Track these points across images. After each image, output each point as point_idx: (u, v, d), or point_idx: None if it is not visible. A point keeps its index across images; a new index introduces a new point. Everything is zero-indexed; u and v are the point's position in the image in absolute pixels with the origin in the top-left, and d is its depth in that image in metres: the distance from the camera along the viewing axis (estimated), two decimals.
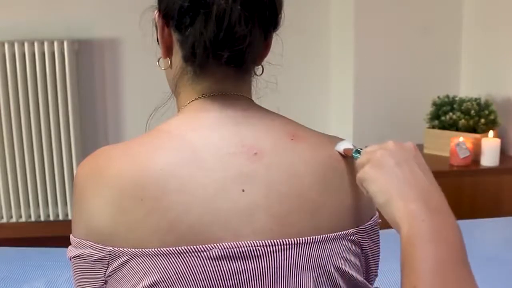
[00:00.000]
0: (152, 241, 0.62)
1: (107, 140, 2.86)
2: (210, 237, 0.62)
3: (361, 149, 0.69)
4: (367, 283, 0.72)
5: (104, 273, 0.65)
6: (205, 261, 0.61)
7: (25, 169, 2.71)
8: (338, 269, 0.67)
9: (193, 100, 0.72)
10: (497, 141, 2.17)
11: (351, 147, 0.71)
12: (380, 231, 0.77)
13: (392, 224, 0.61)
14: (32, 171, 2.71)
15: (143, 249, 0.62)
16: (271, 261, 0.63)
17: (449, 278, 0.54)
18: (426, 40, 2.61)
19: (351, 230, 0.69)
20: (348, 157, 0.71)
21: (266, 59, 0.76)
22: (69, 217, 2.79)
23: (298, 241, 0.64)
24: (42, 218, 2.79)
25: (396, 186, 0.61)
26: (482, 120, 2.21)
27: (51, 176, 2.73)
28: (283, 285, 0.63)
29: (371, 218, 0.74)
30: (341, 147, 0.72)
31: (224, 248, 0.62)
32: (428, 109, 2.38)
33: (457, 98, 2.34)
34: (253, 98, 0.76)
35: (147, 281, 0.62)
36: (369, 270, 0.75)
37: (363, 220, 0.72)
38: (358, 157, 0.68)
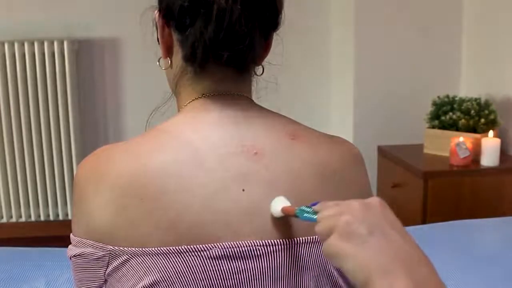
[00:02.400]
0: (152, 240, 0.62)
1: (107, 140, 2.86)
2: (210, 236, 0.62)
3: (308, 207, 0.59)
4: None
5: (104, 272, 0.65)
6: (205, 261, 0.61)
7: (25, 169, 2.71)
8: (338, 269, 0.67)
9: (193, 100, 0.72)
10: (497, 141, 2.17)
11: (288, 203, 0.62)
12: None
13: None
14: (32, 171, 2.71)
15: (143, 248, 0.62)
16: (271, 261, 0.63)
17: None
18: (426, 40, 2.62)
19: None
20: (290, 216, 0.62)
21: (266, 59, 0.76)
22: (69, 217, 2.79)
23: (298, 241, 0.64)
24: (42, 218, 2.79)
25: (375, 260, 0.50)
26: (482, 120, 2.21)
27: (51, 176, 2.73)
28: (283, 285, 0.63)
29: None
30: (277, 207, 0.62)
31: (224, 248, 0.62)
32: (428, 109, 2.38)
33: (457, 98, 2.34)
34: (253, 98, 0.76)
35: (147, 280, 0.62)
36: None
37: None
38: (307, 217, 0.58)
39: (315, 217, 0.57)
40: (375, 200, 0.56)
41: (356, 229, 0.52)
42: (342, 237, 0.52)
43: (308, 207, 0.59)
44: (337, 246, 0.52)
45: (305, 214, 0.58)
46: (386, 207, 0.56)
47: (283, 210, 0.62)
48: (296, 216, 0.60)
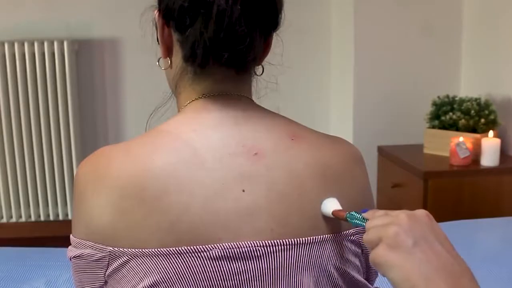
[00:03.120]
0: (152, 241, 0.62)
1: (107, 140, 2.86)
2: (210, 237, 0.62)
3: (358, 213, 0.62)
4: (367, 283, 0.72)
5: (104, 273, 0.65)
6: (205, 262, 0.61)
7: (25, 169, 2.71)
8: (338, 269, 0.67)
9: (193, 100, 0.72)
10: (497, 141, 2.17)
11: (339, 207, 0.65)
12: None
13: None
14: (32, 171, 2.71)
15: (143, 249, 0.62)
16: (271, 261, 0.63)
17: None
18: (426, 40, 2.61)
19: (351, 230, 0.69)
20: (340, 220, 0.65)
21: (266, 59, 0.76)
22: (69, 217, 2.79)
23: (298, 242, 0.64)
24: (42, 218, 2.79)
25: (419, 271, 0.52)
26: (482, 120, 2.21)
27: (51, 176, 2.73)
28: (283, 286, 0.63)
29: None
30: (329, 208, 0.65)
31: (224, 249, 0.62)
32: (428, 109, 2.38)
33: (457, 98, 2.34)
34: (253, 98, 0.76)
35: (147, 281, 0.62)
36: (369, 270, 0.75)
37: None
38: (357, 223, 0.62)
39: (364, 224, 0.60)
40: (422, 212, 0.58)
41: (403, 240, 0.54)
42: (390, 248, 0.54)
43: (358, 213, 0.62)
44: (384, 256, 0.55)
45: (355, 220, 0.62)
46: (432, 219, 0.58)
47: (333, 213, 0.64)
48: (345, 219, 0.63)
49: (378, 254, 0.55)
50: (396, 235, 0.55)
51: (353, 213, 0.62)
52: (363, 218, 0.61)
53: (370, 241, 0.57)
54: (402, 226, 0.55)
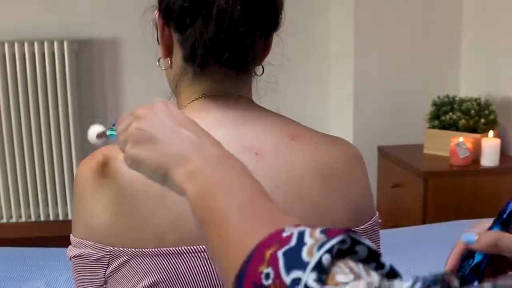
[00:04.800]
0: (152, 241, 0.62)
1: (106, 140, 2.86)
2: None
3: (113, 125, 0.62)
4: None
5: (104, 273, 0.65)
6: (205, 261, 0.61)
7: (25, 169, 2.71)
8: None
9: (193, 100, 0.72)
10: (497, 141, 2.17)
11: (103, 129, 0.66)
12: (380, 231, 0.77)
13: (180, 194, 0.53)
14: (32, 171, 2.71)
15: (143, 249, 0.62)
16: None
17: (255, 211, 0.48)
18: (426, 40, 2.61)
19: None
20: (103, 140, 0.66)
21: (266, 59, 0.76)
22: (69, 217, 2.79)
23: None
24: (42, 218, 2.78)
25: (166, 155, 0.53)
26: (482, 120, 2.21)
27: (51, 176, 2.73)
28: None
29: (371, 218, 0.74)
30: (93, 135, 0.66)
31: None
32: (428, 109, 2.38)
33: (457, 98, 2.34)
34: (253, 98, 0.76)
35: (147, 281, 0.62)
36: None
37: (363, 220, 0.72)
38: (113, 135, 0.62)
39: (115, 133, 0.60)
40: (159, 102, 0.58)
41: (145, 134, 0.54)
42: (135, 145, 0.55)
43: (113, 125, 0.62)
44: (131, 154, 0.55)
45: (112, 133, 0.61)
46: (170, 106, 0.58)
47: (98, 136, 0.65)
48: (108, 137, 0.63)
49: (126, 155, 0.55)
50: (138, 130, 0.55)
51: (111, 127, 0.62)
52: (113, 126, 0.60)
53: (120, 146, 0.58)
54: (142, 120, 0.55)
